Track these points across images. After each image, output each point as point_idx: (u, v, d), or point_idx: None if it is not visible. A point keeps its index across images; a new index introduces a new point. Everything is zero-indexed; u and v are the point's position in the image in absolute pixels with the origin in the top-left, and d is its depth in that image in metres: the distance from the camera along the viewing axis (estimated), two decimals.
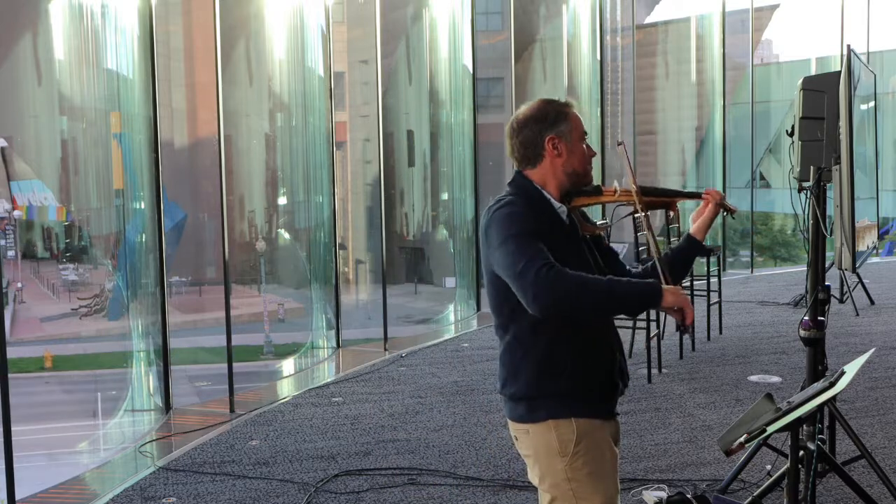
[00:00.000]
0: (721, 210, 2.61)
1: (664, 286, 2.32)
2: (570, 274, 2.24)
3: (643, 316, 6.21)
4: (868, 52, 14.66)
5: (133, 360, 6.55)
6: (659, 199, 2.62)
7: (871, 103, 4.94)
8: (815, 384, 2.93)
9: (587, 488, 2.42)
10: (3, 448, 4.38)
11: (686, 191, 2.70)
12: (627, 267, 2.68)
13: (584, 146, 2.52)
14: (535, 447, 2.47)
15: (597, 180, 2.61)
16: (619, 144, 2.68)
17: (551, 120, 2.48)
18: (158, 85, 6.02)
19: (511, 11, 10.95)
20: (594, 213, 2.92)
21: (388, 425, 5.48)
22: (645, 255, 6.92)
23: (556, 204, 2.49)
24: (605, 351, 2.50)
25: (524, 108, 2.53)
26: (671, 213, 2.63)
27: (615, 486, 2.48)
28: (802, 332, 3.94)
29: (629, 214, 2.57)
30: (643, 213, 2.51)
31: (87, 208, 7.57)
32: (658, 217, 7.32)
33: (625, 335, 7.17)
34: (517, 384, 2.46)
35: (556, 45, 13.32)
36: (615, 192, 2.54)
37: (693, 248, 2.62)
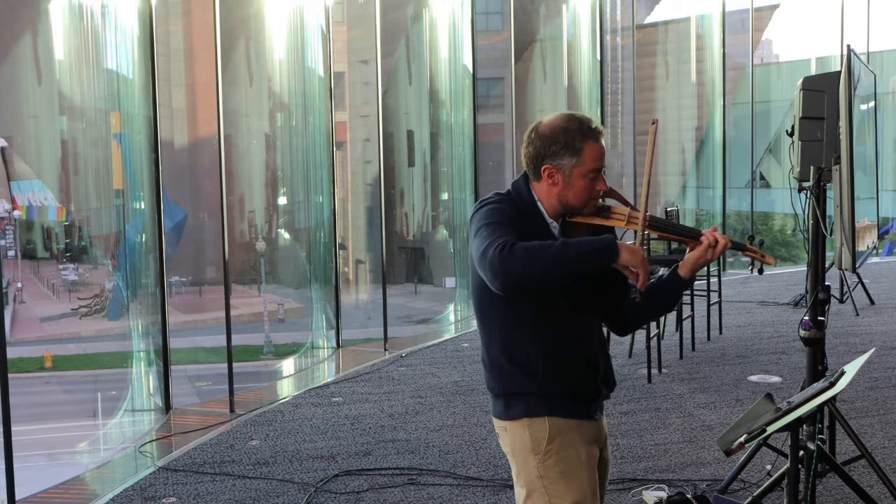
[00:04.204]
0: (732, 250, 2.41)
1: (621, 243, 2.26)
2: (518, 246, 2.21)
3: None
4: (868, 52, 14.66)
5: (133, 360, 6.55)
6: (671, 235, 2.47)
7: (871, 103, 4.95)
8: (815, 384, 2.93)
9: (559, 486, 2.42)
10: (3, 448, 4.38)
11: (697, 230, 2.46)
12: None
13: (587, 182, 2.37)
14: (511, 444, 2.50)
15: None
16: (651, 123, 2.50)
17: (556, 149, 2.36)
18: (158, 85, 6.02)
19: (511, 11, 10.96)
20: None
21: (388, 425, 5.48)
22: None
23: (548, 220, 2.44)
24: (586, 354, 2.47)
25: (548, 120, 2.40)
26: (689, 249, 2.47)
27: (590, 486, 2.45)
28: (802, 332, 3.94)
29: (642, 240, 2.39)
30: (640, 243, 2.34)
31: (87, 208, 7.56)
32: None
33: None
34: (494, 380, 2.49)
35: (556, 45, 13.32)
36: (625, 217, 2.39)
37: (674, 283, 2.45)
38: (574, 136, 2.36)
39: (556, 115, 2.41)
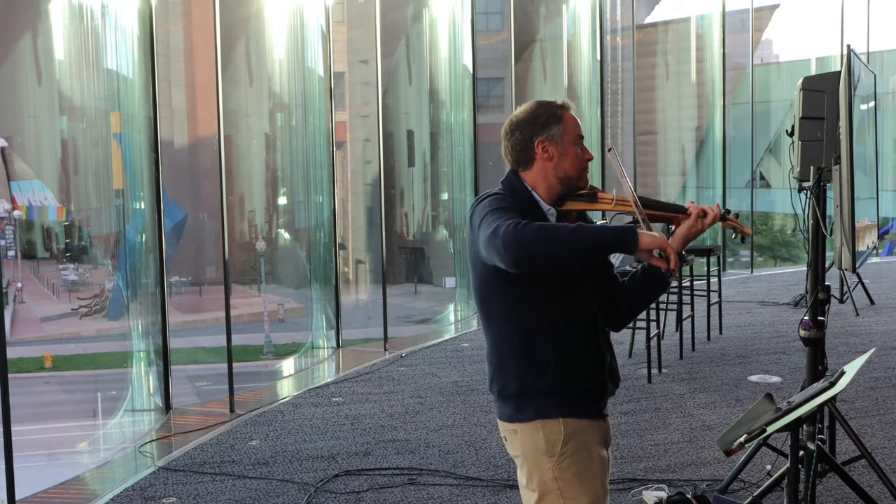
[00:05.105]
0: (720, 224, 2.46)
1: (641, 231, 2.23)
2: (535, 223, 2.21)
3: (643, 316, 6.21)
4: (868, 52, 14.66)
5: (133, 360, 6.55)
6: (658, 212, 2.48)
7: (871, 103, 4.94)
8: (815, 384, 2.93)
9: (574, 488, 2.41)
10: (3, 448, 4.38)
11: (681, 205, 2.53)
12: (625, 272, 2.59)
13: (578, 150, 2.46)
14: (523, 447, 2.46)
15: (596, 183, 2.57)
16: (608, 150, 2.61)
17: (542, 122, 2.45)
18: (158, 85, 6.02)
19: (511, 11, 10.96)
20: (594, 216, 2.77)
21: (388, 425, 5.48)
22: None
23: (545, 206, 2.46)
24: (593, 349, 2.47)
25: (518, 110, 2.51)
26: (672, 228, 2.52)
27: (603, 487, 2.46)
28: (802, 332, 3.94)
29: (629, 223, 2.45)
30: (643, 227, 2.35)
31: (87, 208, 7.57)
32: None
33: (625, 335, 7.18)
34: (502, 381, 2.46)
35: (556, 45, 13.32)
36: (612, 200, 2.45)
37: None
38: (550, 108, 2.48)
39: (523, 105, 2.52)
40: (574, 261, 2.28)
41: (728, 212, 2.54)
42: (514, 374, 2.44)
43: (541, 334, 2.41)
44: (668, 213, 2.48)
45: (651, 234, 2.23)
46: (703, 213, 2.39)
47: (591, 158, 2.50)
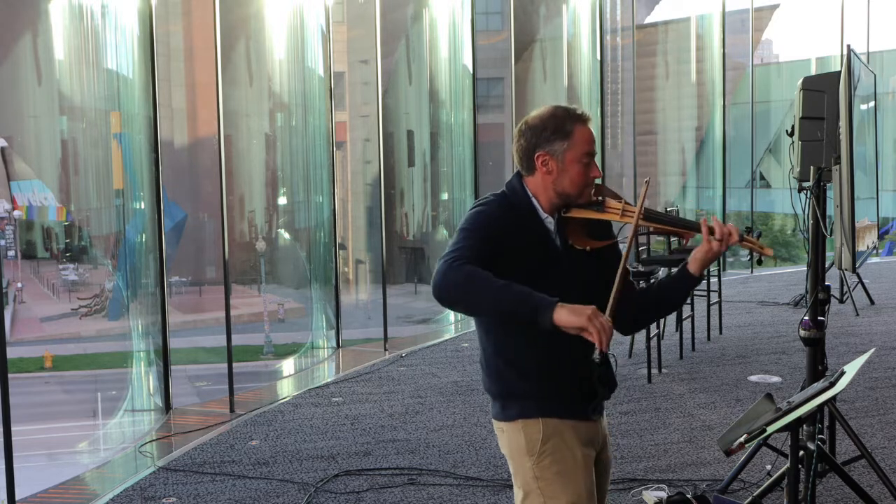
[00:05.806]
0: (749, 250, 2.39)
1: (563, 304, 2.11)
2: (467, 268, 2.17)
3: None
4: (868, 52, 14.66)
5: (133, 360, 6.55)
6: (668, 227, 2.44)
7: (871, 103, 4.95)
8: (815, 384, 2.93)
9: (555, 487, 2.41)
10: (3, 448, 4.38)
11: (695, 222, 2.44)
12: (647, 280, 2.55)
13: (582, 167, 2.38)
14: (508, 446, 2.50)
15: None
16: (645, 181, 2.55)
17: (547, 135, 2.38)
18: (158, 85, 6.02)
19: (511, 11, 10.95)
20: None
21: (388, 425, 5.48)
22: (645, 256, 6.92)
23: (544, 215, 2.44)
24: (580, 353, 2.39)
25: (535, 112, 2.44)
26: (684, 242, 2.47)
27: (586, 487, 2.44)
28: (802, 332, 3.94)
29: (634, 235, 2.41)
30: (628, 245, 2.33)
31: (87, 208, 7.57)
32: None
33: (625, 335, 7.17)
34: (490, 381, 2.50)
35: (556, 45, 13.32)
36: (620, 211, 2.38)
37: (685, 280, 2.44)
38: (563, 120, 2.39)
39: (542, 108, 2.45)
40: (489, 314, 2.34)
41: (749, 230, 2.46)
42: (500, 375, 2.47)
43: (526, 339, 2.41)
44: (678, 230, 2.45)
45: (574, 310, 2.11)
46: (724, 236, 2.35)
47: (597, 177, 2.43)
